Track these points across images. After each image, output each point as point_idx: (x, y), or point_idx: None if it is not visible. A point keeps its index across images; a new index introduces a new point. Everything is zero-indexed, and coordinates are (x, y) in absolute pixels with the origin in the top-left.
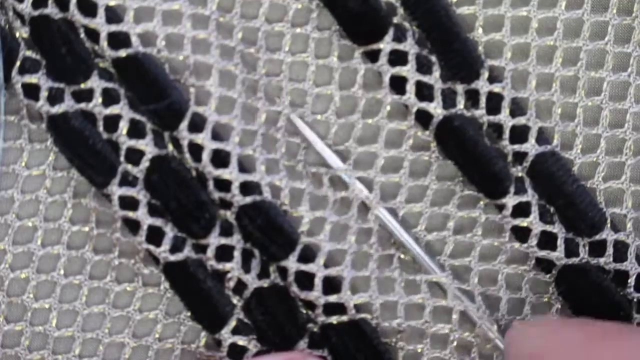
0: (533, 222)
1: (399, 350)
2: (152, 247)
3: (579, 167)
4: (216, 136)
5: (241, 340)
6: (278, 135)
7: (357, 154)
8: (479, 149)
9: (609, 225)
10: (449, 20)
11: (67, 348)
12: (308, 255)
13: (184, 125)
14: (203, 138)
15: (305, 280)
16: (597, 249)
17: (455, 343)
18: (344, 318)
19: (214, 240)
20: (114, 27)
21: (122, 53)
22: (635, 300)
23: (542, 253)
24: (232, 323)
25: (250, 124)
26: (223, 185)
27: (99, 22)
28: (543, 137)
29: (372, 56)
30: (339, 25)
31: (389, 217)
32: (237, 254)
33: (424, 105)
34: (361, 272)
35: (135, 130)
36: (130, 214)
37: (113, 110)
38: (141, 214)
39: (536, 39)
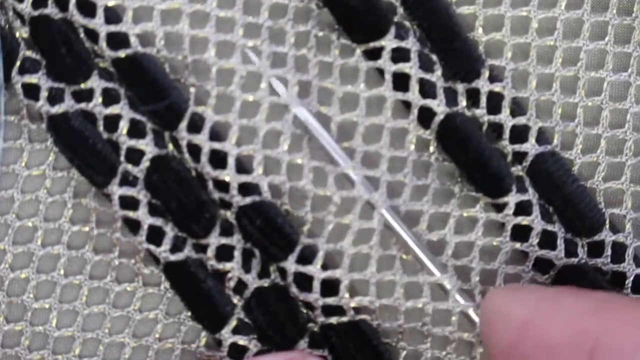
0: (535, 220)
1: (400, 350)
2: (152, 247)
3: (578, 167)
4: (217, 135)
5: (241, 340)
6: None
7: (361, 152)
8: (480, 148)
9: (607, 226)
10: (450, 19)
11: (67, 348)
12: (308, 256)
13: (182, 125)
14: (201, 139)
15: (304, 281)
16: (595, 249)
17: (455, 343)
18: (344, 319)
19: (214, 240)
20: (112, 28)
21: (121, 53)
22: None
23: (542, 252)
24: (233, 323)
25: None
26: (222, 185)
27: (97, 23)
28: (543, 137)
29: (373, 54)
30: (338, 24)
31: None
32: (237, 253)
33: (427, 102)
34: (361, 273)
35: (136, 130)
36: (131, 214)
37: (113, 110)
38: (141, 214)
39: (536, 39)
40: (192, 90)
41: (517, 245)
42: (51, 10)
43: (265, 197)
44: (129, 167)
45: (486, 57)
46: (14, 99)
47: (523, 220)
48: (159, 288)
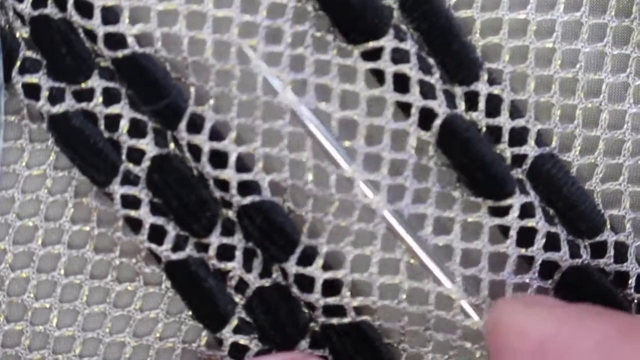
0: (539, 222)
1: (402, 351)
2: (153, 246)
3: (577, 168)
4: (217, 135)
5: (242, 340)
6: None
7: (362, 154)
8: (482, 151)
9: (608, 226)
10: (447, 22)
11: (68, 347)
12: (309, 256)
13: (182, 125)
14: (201, 138)
15: (306, 281)
16: (598, 250)
17: (458, 349)
18: (345, 320)
19: (216, 239)
20: (110, 28)
21: (119, 54)
22: (635, 301)
23: (548, 255)
24: (234, 322)
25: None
26: (223, 184)
27: (95, 23)
28: (542, 139)
29: (371, 56)
30: (334, 26)
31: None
32: (238, 253)
33: (427, 103)
34: (363, 274)
35: (137, 129)
36: (132, 213)
37: (114, 109)
38: (143, 213)
39: (534, 42)
40: (192, 90)
41: (522, 250)
42: (51, 10)
43: (266, 197)
44: (130, 166)
45: (484, 60)
46: (14, 99)
47: (528, 222)
48: (159, 287)
